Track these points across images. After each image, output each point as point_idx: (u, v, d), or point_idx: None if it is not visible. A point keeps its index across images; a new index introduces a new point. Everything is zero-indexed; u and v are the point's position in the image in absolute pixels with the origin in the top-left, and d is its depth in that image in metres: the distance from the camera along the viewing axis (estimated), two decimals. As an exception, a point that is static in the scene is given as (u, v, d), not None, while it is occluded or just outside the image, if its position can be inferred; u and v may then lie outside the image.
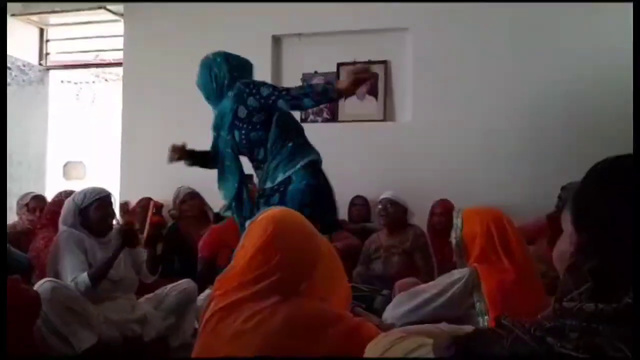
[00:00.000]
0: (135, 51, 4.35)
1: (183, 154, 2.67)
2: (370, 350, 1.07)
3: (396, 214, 3.18)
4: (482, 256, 1.89)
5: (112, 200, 2.49)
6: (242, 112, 2.42)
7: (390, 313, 2.01)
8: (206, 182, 3.68)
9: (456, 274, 1.96)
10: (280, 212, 1.44)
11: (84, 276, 2.22)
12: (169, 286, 2.48)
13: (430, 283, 2.07)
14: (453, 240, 2.01)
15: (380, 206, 3.23)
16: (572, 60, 3.58)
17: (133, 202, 3.93)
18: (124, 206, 3.80)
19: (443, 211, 3.29)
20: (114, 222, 2.56)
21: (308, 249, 1.33)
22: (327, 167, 2.48)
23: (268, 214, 1.41)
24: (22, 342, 1.85)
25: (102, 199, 2.40)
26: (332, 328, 1.25)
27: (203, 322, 1.35)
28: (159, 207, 2.40)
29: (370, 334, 1.25)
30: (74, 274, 2.23)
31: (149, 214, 2.36)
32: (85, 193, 2.41)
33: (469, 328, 1.06)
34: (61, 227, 2.39)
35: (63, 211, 2.43)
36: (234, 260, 1.39)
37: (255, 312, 1.24)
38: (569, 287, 0.64)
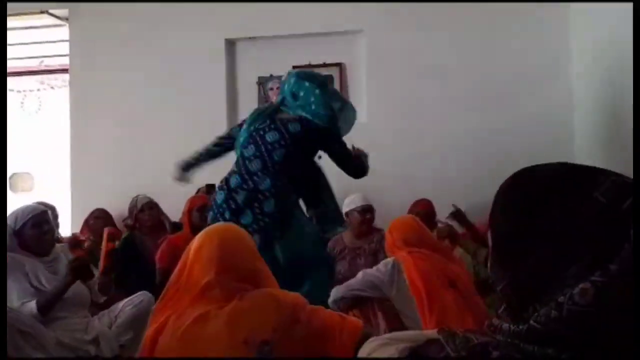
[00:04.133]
0: (81, 56, 4.19)
1: None
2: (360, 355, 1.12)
3: (373, 218, 3.21)
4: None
5: (49, 215, 2.39)
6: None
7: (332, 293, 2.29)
8: (161, 191, 3.60)
9: (382, 261, 2.27)
10: (221, 229, 1.54)
11: (32, 305, 2.13)
12: (124, 301, 2.42)
13: None
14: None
15: (368, 215, 3.18)
16: (525, 57, 3.70)
17: (85, 213, 3.79)
18: (73, 239, 3.53)
19: (422, 210, 3.27)
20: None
21: (248, 257, 1.42)
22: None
23: (207, 233, 1.49)
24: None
25: (35, 217, 2.29)
26: (283, 298, 1.35)
27: (148, 341, 1.33)
28: (113, 234, 2.35)
29: (318, 311, 1.37)
30: (21, 301, 2.14)
31: (104, 242, 2.28)
32: (17, 214, 2.30)
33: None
34: None
35: None
36: (174, 277, 1.40)
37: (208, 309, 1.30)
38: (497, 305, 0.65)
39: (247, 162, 2.45)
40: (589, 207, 0.58)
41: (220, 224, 1.61)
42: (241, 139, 2.54)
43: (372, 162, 3.71)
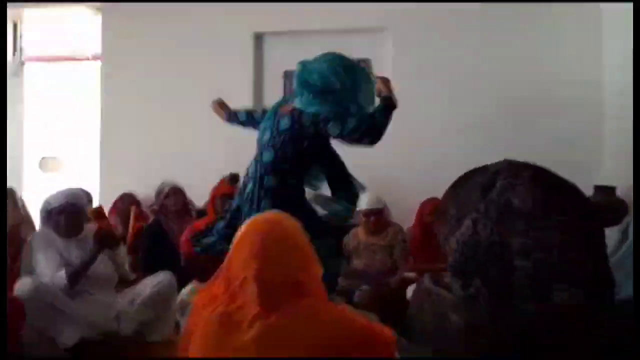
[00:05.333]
0: (114, 45, 4.31)
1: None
2: None
3: (380, 218, 3.24)
4: None
5: (80, 206, 2.47)
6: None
7: None
8: (188, 177, 3.70)
9: None
10: (268, 220, 1.35)
11: (61, 275, 2.23)
12: (145, 280, 2.50)
13: None
14: None
15: (372, 219, 3.19)
16: (549, 61, 3.70)
17: (113, 197, 3.91)
18: (94, 211, 3.41)
19: (433, 210, 3.22)
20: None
21: (294, 258, 1.26)
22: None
23: (254, 221, 1.34)
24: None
25: (64, 206, 2.39)
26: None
27: (189, 331, 1.28)
28: (140, 214, 2.40)
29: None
30: (51, 272, 2.24)
31: (132, 220, 2.35)
32: (52, 198, 2.43)
33: None
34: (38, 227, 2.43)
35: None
36: (221, 269, 1.31)
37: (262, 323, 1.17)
38: None
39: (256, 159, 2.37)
40: (472, 187, 1.13)
41: (271, 213, 1.41)
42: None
43: (399, 160, 3.75)
